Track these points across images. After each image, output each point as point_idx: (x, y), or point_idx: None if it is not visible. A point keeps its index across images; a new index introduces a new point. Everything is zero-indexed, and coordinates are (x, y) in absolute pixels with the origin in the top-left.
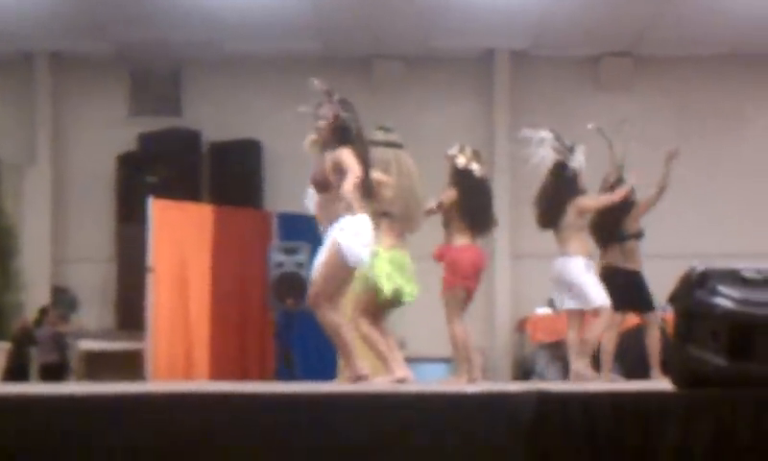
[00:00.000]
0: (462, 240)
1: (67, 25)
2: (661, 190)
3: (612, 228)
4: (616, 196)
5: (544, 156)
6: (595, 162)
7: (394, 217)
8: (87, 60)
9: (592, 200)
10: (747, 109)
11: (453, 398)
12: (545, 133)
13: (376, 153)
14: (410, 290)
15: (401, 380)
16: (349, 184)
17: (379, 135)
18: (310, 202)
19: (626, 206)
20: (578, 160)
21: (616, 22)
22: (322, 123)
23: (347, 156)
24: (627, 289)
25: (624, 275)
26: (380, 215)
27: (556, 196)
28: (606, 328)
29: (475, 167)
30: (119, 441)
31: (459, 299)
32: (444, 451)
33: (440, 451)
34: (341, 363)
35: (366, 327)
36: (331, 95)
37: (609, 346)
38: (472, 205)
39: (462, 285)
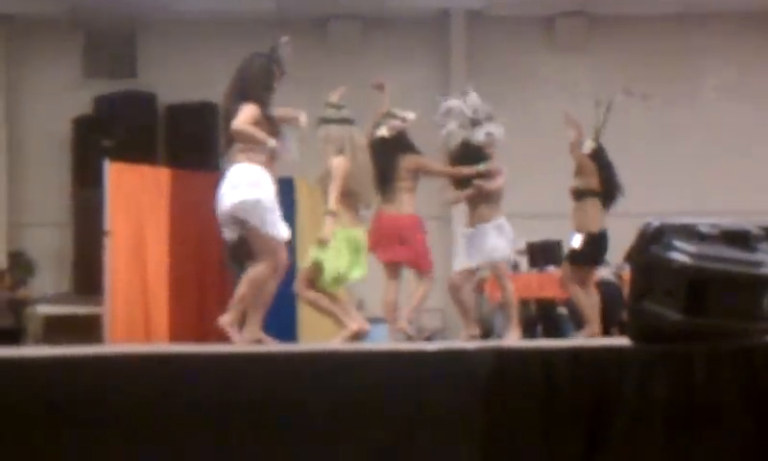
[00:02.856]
0: (380, 208)
1: None
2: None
3: (615, 192)
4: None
5: (450, 130)
6: (559, 125)
7: (351, 194)
8: (41, 23)
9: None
10: (700, 67)
11: (412, 355)
12: (454, 103)
13: (330, 131)
14: (358, 272)
15: (358, 333)
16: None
17: (331, 112)
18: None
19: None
20: (479, 136)
21: None
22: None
23: None
24: (601, 247)
25: (603, 234)
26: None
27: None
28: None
29: (357, 137)
30: (79, 403)
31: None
32: (403, 408)
33: (398, 408)
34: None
35: (311, 293)
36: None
37: (591, 300)
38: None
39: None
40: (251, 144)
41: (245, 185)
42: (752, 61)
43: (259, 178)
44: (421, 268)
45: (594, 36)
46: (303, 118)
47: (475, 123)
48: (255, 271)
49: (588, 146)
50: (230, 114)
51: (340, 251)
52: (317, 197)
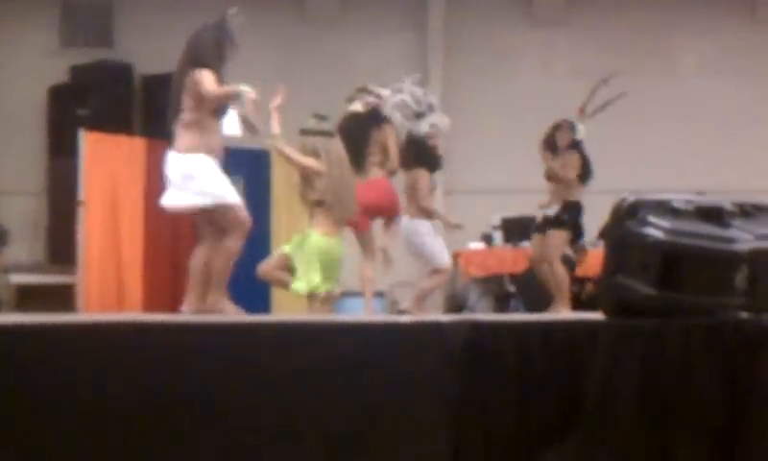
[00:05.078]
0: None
1: None
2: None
3: (590, 170)
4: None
5: (399, 124)
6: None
7: (327, 206)
8: None
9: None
10: (680, 44)
11: (386, 327)
12: (399, 97)
13: (306, 142)
14: (329, 285)
15: (328, 297)
16: None
17: (311, 123)
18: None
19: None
20: (424, 127)
21: None
22: None
23: None
24: (575, 213)
25: (577, 202)
26: (314, 204)
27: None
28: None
29: (334, 150)
30: (50, 372)
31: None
32: (377, 379)
33: (372, 379)
34: None
35: (275, 272)
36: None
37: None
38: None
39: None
40: (211, 108)
41: (190, 188)
42: (732, 39)
43: (197, 169)
44: (389, 214)
45: (574, 13)
46: (246, 91)
47: (419, 115)
48: (227, 245)
49: (583, 131)
50: (181, 83)
51: (313, 264)
52: (292, 171)
